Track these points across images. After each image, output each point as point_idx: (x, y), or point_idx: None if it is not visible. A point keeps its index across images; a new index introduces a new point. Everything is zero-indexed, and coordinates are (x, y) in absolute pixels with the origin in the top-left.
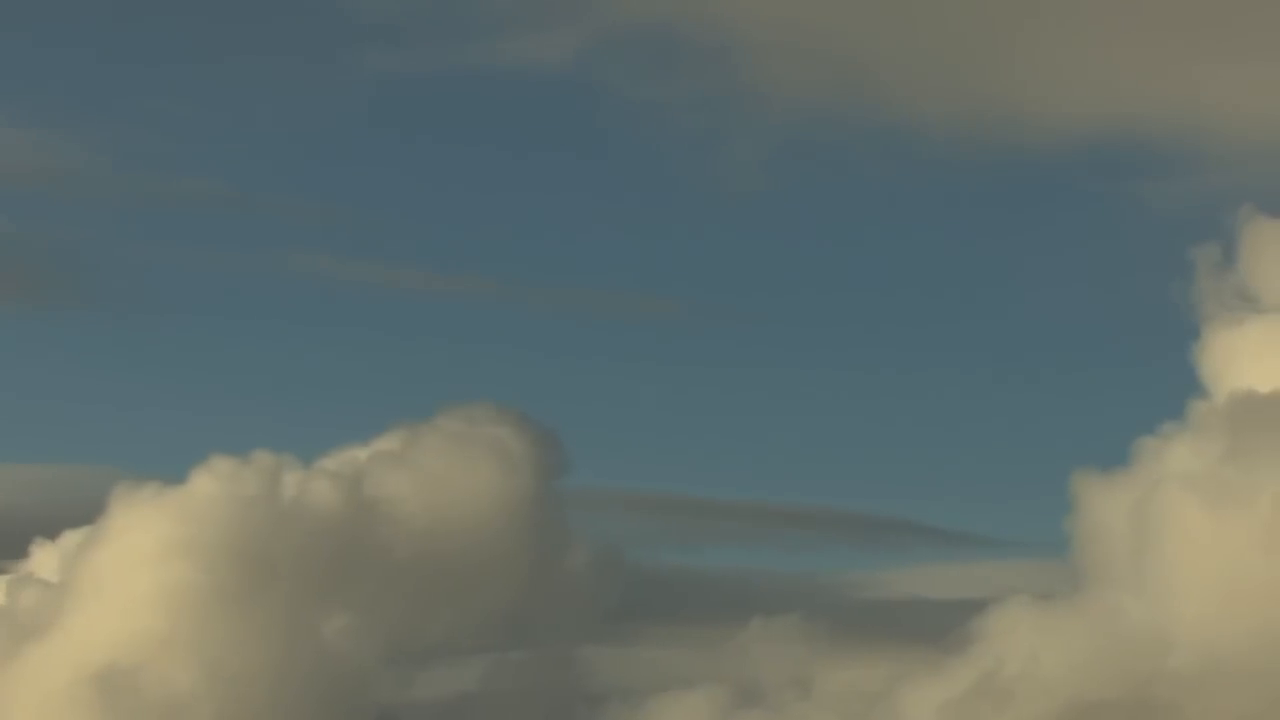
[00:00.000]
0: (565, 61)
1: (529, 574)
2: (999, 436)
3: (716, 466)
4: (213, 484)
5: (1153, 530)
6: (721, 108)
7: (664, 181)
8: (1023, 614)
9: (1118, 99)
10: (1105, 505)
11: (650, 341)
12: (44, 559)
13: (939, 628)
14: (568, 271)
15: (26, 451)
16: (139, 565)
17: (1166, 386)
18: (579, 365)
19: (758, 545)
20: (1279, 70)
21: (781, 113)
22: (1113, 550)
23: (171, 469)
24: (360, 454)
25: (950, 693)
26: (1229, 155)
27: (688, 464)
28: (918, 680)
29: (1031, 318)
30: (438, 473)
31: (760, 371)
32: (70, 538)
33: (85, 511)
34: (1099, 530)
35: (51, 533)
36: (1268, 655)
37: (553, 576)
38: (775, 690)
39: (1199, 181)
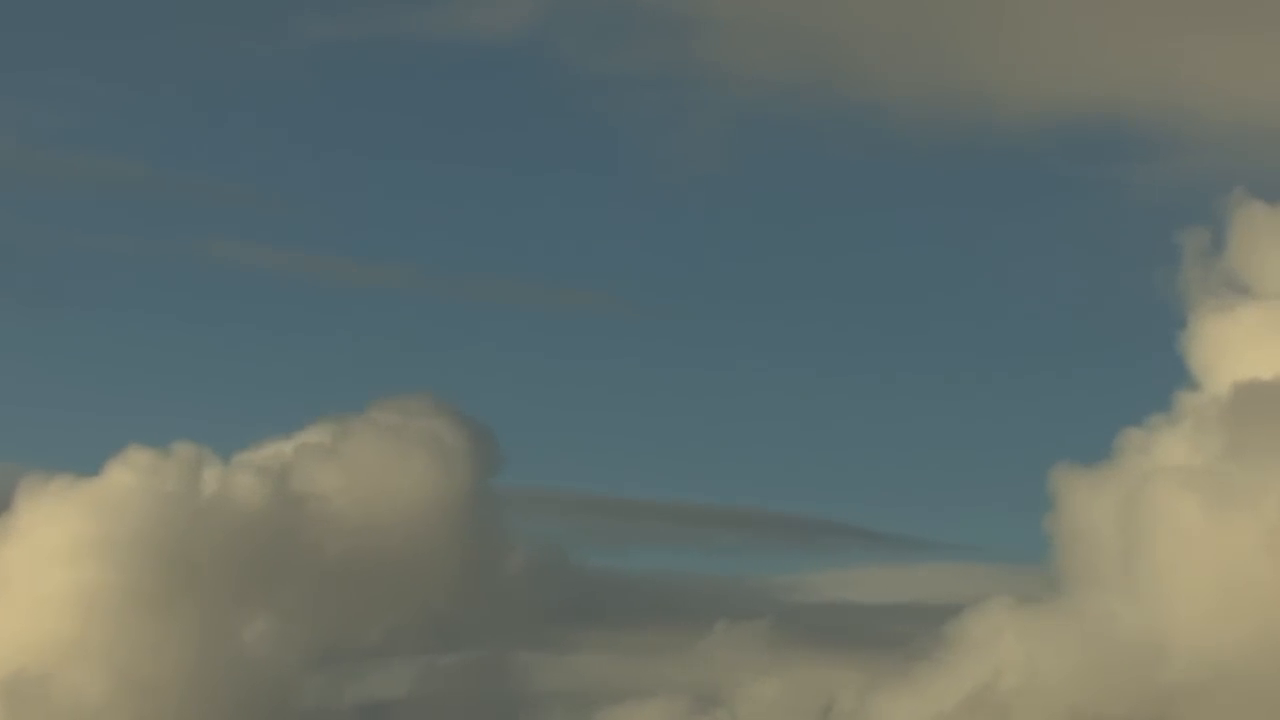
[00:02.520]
0: (515, 31)
1: (464, 575)
2: (960, 434)
3: (643, 466)
4: (129, 477)
5: (1143, 529)
6: (679, 83)
7: (615, 163)
8: (1001, 619)
9: (1095, 78)
10: (1087, 502)
11: (577, 336)
12: None
13: (901, 633)
14: (500, 260)
15: None
16: (48, 564)
17: (1150, 377)
18: (505, 360)
19: (685, 546)
20: (1261, 45)
21: (743, 90)
22: (1097, 550)
23: (84, 462)
24: (286, 448)
25: (925, 702)
26: (1211, 137)
27: (615, 463)
28: (887, 689)
29: (1005, 307)
30: (369, 468)
31: (694, 369)
32: None
33: None
34: (1081, 529)
35: None
36: (1274, 663)
37: (488, 577)
38: (731, 700)
39: (1180, 165)
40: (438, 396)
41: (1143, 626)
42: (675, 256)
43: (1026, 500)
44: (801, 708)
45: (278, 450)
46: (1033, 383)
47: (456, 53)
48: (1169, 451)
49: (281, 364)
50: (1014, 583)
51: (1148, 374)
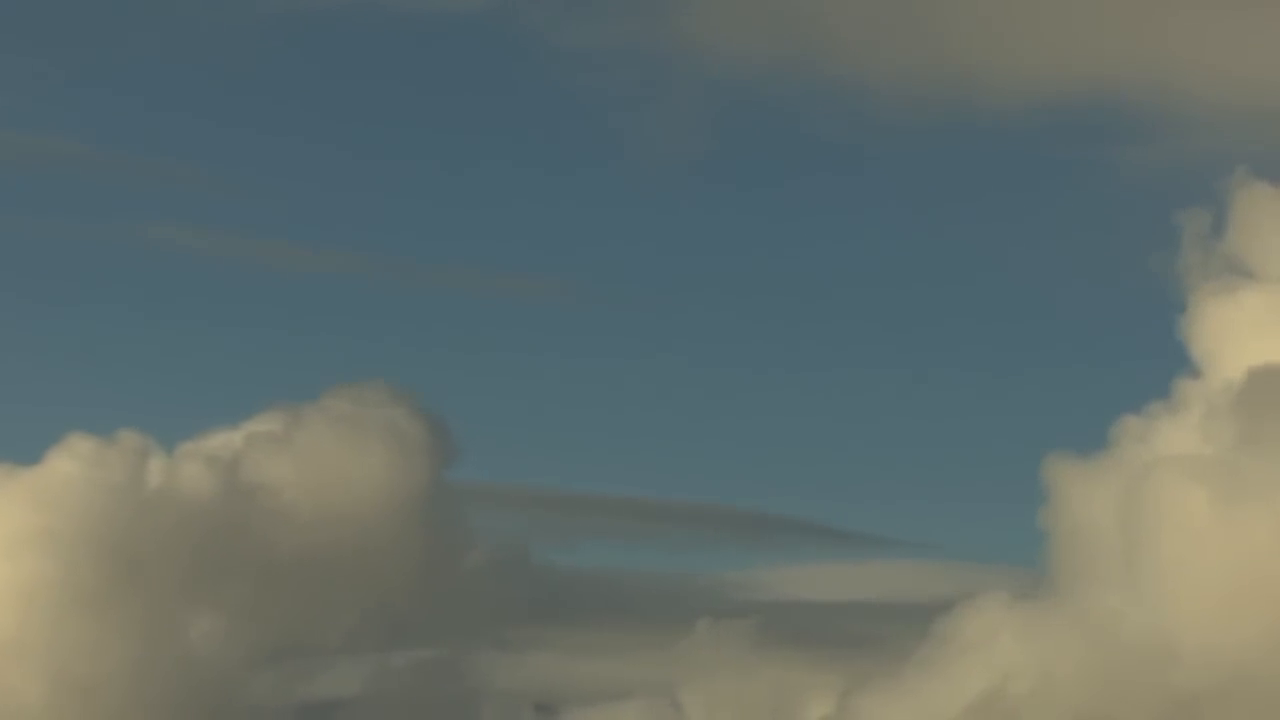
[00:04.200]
0: (482, 3)
1: (420, 570)
2: (941, 427)
3: (598, 460)
4: (70, 466)
5: (1147, 523)
6: (654, 59)
7: (584, 143)
8: (994, 619)
9: (1085, 57)
10: (1084, 494)
11: (534, 327)
12: None
13: (872, 633)
14: (455, 247)
15: None
16: None
17: (1147, 364)
18: (457, 351)
19: (640, 543)
20: (1256, 23)
21: (721, 67)
22: (1096, 545)
23: (22, 450)
24: (235, 437)
25: (920, 708)
26: (1206, 117)
27: (569, 457)
28: (872, 693)
29: (991, 294)
30: (322, 458)
31: (653, 362)
32: None
33: None
34: (1079, 522)
35: None
36: None
37: (445, 573)
38: (702, 704)
39: (1174, 146)
40: (392, 384)
41: (1150, 626)
42: (641, 243)
43: (1006, 494)
44: (778, 712)
45: (226, 440)
46: (1020, 371)
47: (419, 24)
48: (1170, 441)
49: (228, 350)
50: (985, 581)
51: (1144, 361)
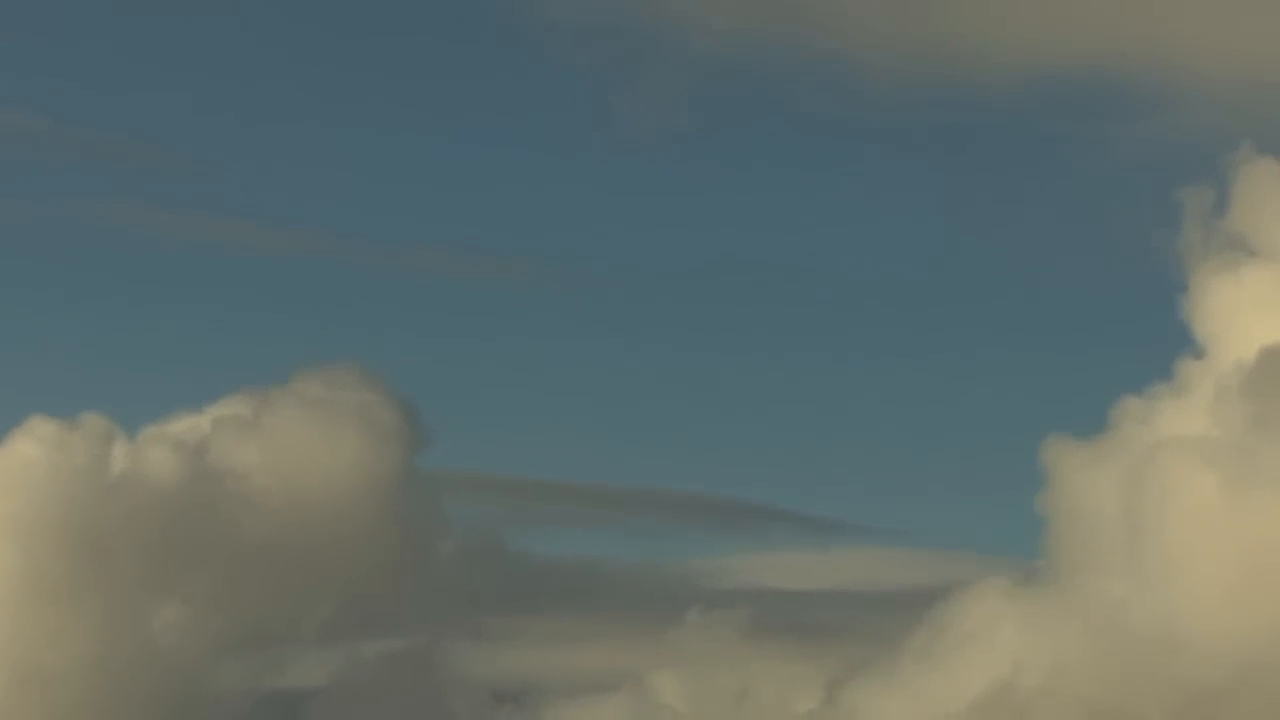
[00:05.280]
0: None
1: (391, 558)
2: (931, 413)
3: (564, 447)
4: (31, 450)
5: (1151, 507)
6: (635, 32)
7: (562, 120)
8: (994, 608)
9: (1082, 30)
10: (1084, 478)
11: (504, 311)
12: None
13: (866, 621)
14: (423, 226)
15: None
16: None
17: (1145, 345)
18: (426, 335)
19: (609, 531)
20: None
21: (704, 40)
22: (1097, 531)
23: None
24: (202, 420)
25: (922, 699)
26: (1205, 93)
27: (536, 444)
28: (869, 683)
29: (983, 274)
30: (292, 442)
31: (623, 346)
32: None
33: None
34: (1078, 507)
35: None
36: None
37: (417, 561)
38: (692, 696)
39: (1173, 122)
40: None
41: (1158, 615)
42: (616, 227)
43: (986, 481)
44: (763, 704)
45: (193, 423)
46: (1012, 353)
47: None
48: (1173, 423)
49: (192, 332)
50: (962, 568)
51: (1144, 341)
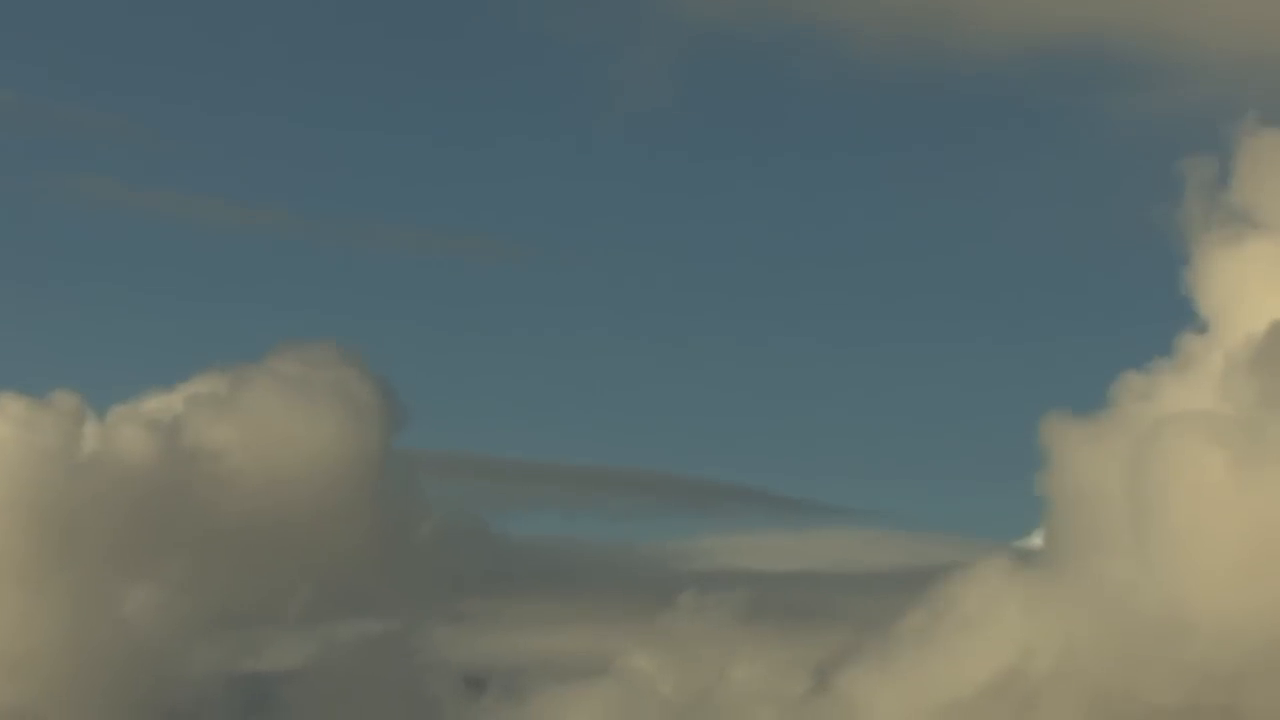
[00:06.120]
0: None
1: (369, 539)
2: (919, 396)
3: (542, 428)
4: (1, 429)
5: (1155, 485)
6: (619, 6)
7: (545, 93)
8: (994, 591)
9: (1077, 1)
10: (1085, 456)
11: (478, 292)
12: None
13: (849, 604)
14: (394, 206)
15: None
16: None
17: (1144, 319)
18: (401, 316)
19: (586, 512)
20: None
21: (694, 11)
22: (1099, 510)
23: None
24: (175, 399)
25: (923, 680)
26: (1202, 64)
27: (509, 424)
28: (860, 668)
29: (975, 250)
30: (268, 421)
31: (599, 325)
32: None
33: None
34: (1080, 486)
35: None
36: None
37: (396, 543)
38: (689, 681)
39: (1169, 93)
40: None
41: (1165, 597)
42: (602, 202)
43: (965, 463)
44: (755, 689)
45: (165, 402)
46: (1008, 332)
47: None
48: (1176, 398)
49: (162, 309)
50: (940, 550)
51: (1144, 316)
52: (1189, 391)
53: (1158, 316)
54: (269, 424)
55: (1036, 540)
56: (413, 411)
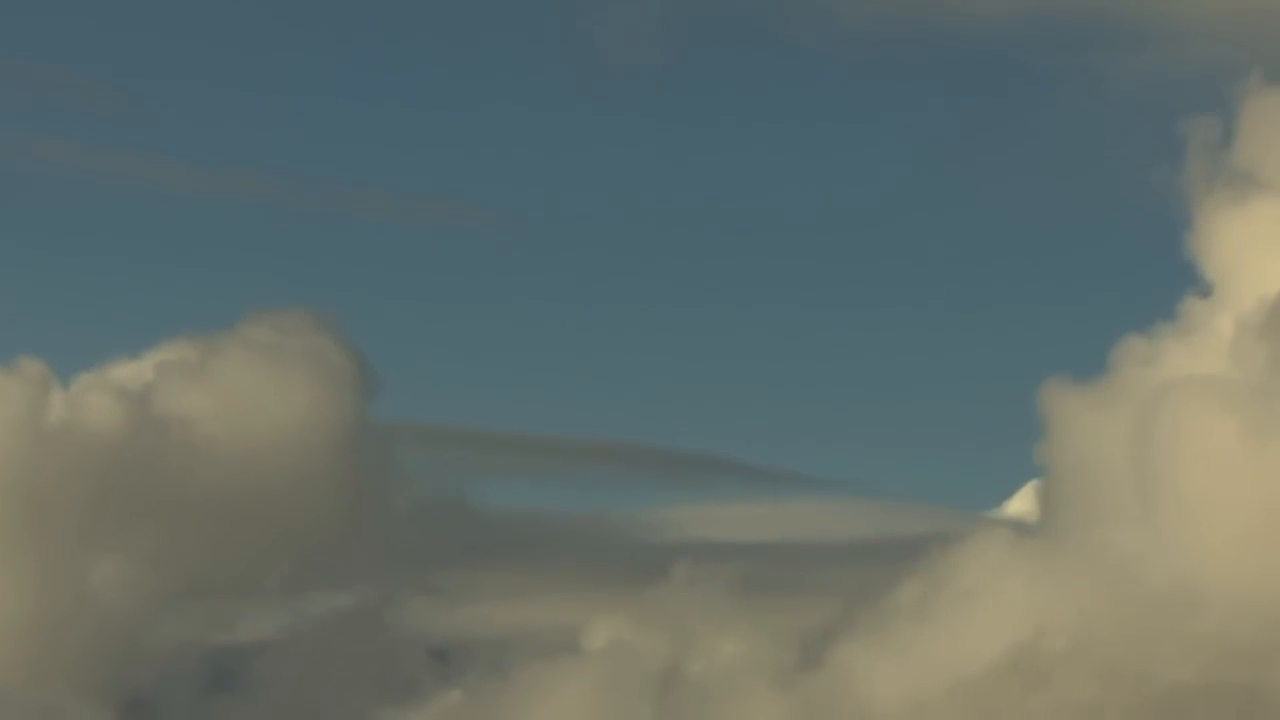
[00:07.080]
0: None
1: (344, 510)
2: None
3: (514, 398)
4: None
5: (1160, 453)
6: None
7: (526, 54)
8: (994, 563)
9: None
10: (1085, 423)
11: (449, 259)
12: None
13: (829, 576)
14: (369, 172)
15: None
16: None
17: (1145, 283)
18: (366, 284)
19: (557, 482)
20: None
21: None
22: (1102, 479)
23: None
24: (144, 367)
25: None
26: (1201, 24)
27: (482, 394)
28: (857, 643)
29: (969, 213)
30: (240, 389)
31: (576, 294)
32: None
33: None
34: (1081, 453)
35: None
36: None
37: (370, 513)
38: (679, 654)
39: (1167, 54)
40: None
41: (1173, 569)
42: (582, 168)
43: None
44: (745, 663)
45: (134, 370)
46: (1003, 295)
47: None
48: (1180, 364)
49: (130, 275)
50: (916, 520)
51: (1145, 280)
52: (1193, 356)
53: (1160, 281)
54: (240, 393)
55: (1011, 509)
56: (387, 382)
